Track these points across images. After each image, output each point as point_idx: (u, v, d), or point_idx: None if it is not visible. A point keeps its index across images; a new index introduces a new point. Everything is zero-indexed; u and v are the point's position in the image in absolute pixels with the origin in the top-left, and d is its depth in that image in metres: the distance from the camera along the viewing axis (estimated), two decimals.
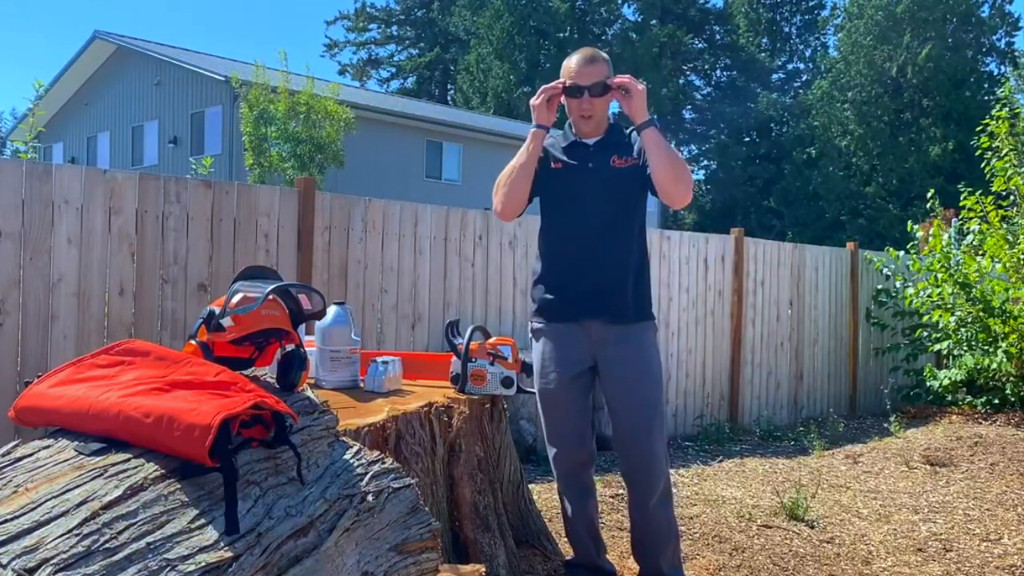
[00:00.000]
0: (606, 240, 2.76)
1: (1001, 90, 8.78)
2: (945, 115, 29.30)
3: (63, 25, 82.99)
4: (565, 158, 2.81)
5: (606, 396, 2.82)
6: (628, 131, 2.87)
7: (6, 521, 1.36)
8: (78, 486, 1.46)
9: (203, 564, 1.40)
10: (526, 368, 2.91)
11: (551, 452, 2.94)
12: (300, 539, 1.60)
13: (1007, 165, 7.74)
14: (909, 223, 8.54)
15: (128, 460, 1.55)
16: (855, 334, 8.08)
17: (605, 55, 2.81)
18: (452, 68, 40.18)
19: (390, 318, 4.85)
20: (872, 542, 3.89)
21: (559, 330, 2.82)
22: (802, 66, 39.14)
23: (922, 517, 4.34)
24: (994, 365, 7.08)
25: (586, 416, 2.87)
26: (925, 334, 7.86)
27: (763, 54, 38.41)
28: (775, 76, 38.88)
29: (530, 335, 2.95)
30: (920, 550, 3.80)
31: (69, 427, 1.66)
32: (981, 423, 6.91)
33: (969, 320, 7.35)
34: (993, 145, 8.08)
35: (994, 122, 8.04)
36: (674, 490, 4.72)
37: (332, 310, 2.72)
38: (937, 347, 7.64)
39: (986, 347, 7.25)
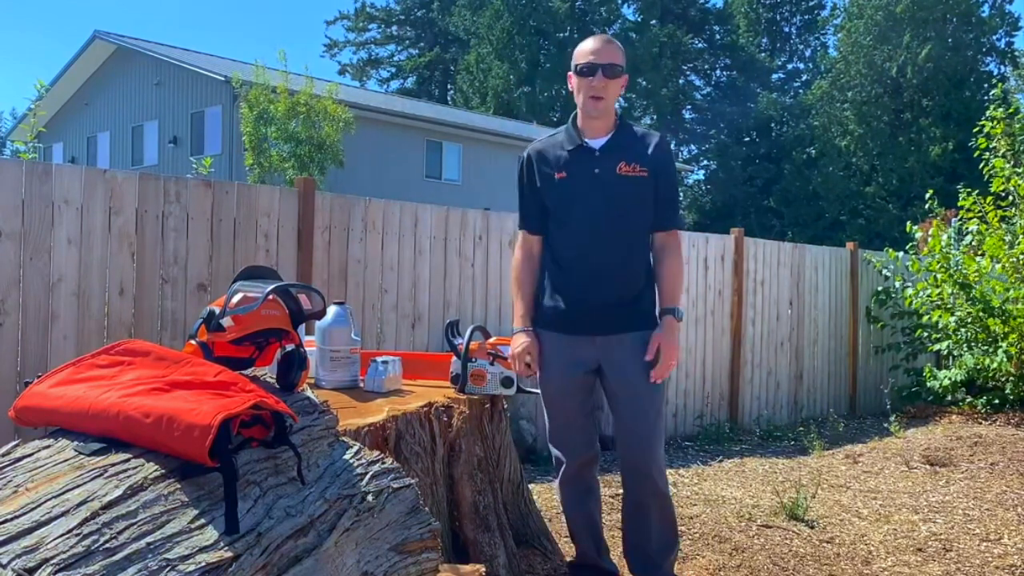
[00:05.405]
0: (615, 253, 2.71)
1: (994, 91, 8.79)
2: (945, 115, 29.30)
3: (63, 25, 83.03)
4: (569, 167, 2.73)
5: (608, 397, 2.80)
6: (640, 133, 2.80)
7: (6, 521, 1.36)
8: (78, 486, 1.46)
9: (203, 564, 1.40)
10: None
11: (555, 452, 2.92)
12: (300, 539, 1.60)
13: (1005, 165, 7.74)
14: (908, 223, 8.55)
15: (128, 460, 1.55)
16: (855, 334, 8.09)
17: (621, 46, 2.77)
18: (452, 68, 40.18)
19: (390, 318, 4.85)
20: (872, 542, 3.89)
21: (566, 338, 2.77)
22: (802, 66, 39.20)
23: (922, 517, 4.34)
24: (994, 365, 7.08)
25: (590, 416, 2.86)
26: (925, 334, 7.87)
27: (763, 54, 38.44)
28: (775, 76, 38.91)
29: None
30: (920, 550, 3.80)
31: (69, 427, 1.66)
32: (981, 423, 6.91)
33: (969, 320, 7.34)
34: (991, 146, 8.09)
35: (989, 123, 8.05)
36: (673, 490, 4.73)
37: (332, 310, 2.72)
38: (937, 347, 7.64)
39: (986, 347, 7.26)
